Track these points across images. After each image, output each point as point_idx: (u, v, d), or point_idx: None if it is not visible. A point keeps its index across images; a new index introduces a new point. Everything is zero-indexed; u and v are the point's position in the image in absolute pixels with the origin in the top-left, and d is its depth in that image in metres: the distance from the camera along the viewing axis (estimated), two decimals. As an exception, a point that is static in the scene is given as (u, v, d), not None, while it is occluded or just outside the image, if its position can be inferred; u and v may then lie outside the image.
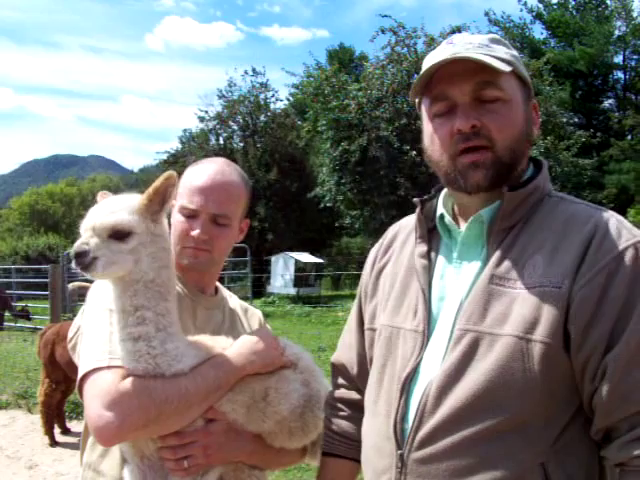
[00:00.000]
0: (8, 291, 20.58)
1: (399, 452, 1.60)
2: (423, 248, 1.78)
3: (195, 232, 2.06)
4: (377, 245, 2.03)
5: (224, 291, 2.40)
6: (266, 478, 2.12)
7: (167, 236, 1.90)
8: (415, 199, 1.84)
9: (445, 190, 1.82)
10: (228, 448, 1.91)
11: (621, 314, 1.44)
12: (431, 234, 1.80)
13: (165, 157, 38.78)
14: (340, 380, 2.05)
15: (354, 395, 1.98)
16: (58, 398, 7.76)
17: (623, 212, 24.31)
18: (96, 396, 1.72)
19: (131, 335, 1.76)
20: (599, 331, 1.45)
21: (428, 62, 1.69)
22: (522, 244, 1.59)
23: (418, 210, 1.82)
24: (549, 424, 1.49)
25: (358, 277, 2.17)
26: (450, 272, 1.71)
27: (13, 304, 19.37)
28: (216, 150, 35.45)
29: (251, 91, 37.14)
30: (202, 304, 2.20)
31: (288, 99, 43.53)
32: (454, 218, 1.77)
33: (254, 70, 37.01)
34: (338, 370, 2.05)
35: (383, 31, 23.58)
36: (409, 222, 1.94)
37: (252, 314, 2.44)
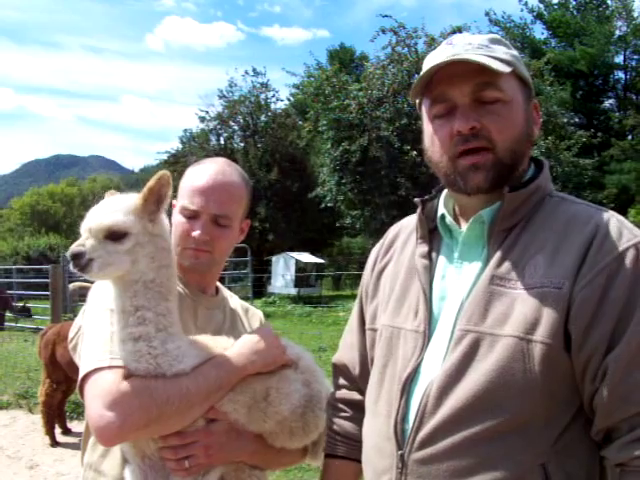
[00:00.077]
0: (9, 291, 20.59)
1: (399, 452, 1.60)
2: (424, 248, 1.78)
3: (196, 233, 2.06)
4: (378, 245, 2.03)
5: (225, 291, 2.40)
6: (267, 478, 2.12)
7: (167, 236, 1.90)
8: (416, 199, 1.84)
9: (446, 190, 1.82)
10: (229, 448, 1.91)
11: (622, 315, 1.44)
12: (432, 234, 1.80)
13: (166, 157, 38.75)
14: (341, 381, 2.05)
15: (356, 396, 1.98)
16: (59, 398, 7.77)
17: (624, 212, 24.32)
18: (97, 396, 1.72)
19: (132, 335, 1.76)
20: (600, 332, 1.45)
21: (428, 63, 1.68)
22: (523, 244, 1.59)
23: (419, 210, 1.81)
24: (549, 424, 1.49)
25: (359, 277, 2.17)
26: (451, 272, 1.71)
27: (14, 304, 19.38)
28: (217, 150, 35.47)
29: (252, 91, 37.20)
30: (203, 304, 2.20)
31: (289, 99, 43.58)
32: (455, 218, 1.77)
33: (255, 70, 37.10)
34: (340, 370, 2.05)
35: (384, 31, 23.59)
36: (410, 222, 1.94)
37: (253, 314, 2.44)
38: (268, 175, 35.21)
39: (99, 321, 1.88)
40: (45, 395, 7.61)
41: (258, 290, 28.18)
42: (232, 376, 1.88)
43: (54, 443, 7.61)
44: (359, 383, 1.96)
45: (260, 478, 2.05)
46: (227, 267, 21.70)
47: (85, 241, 1.71)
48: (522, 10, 38.59)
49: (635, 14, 36.29)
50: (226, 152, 34.19)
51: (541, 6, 39.05)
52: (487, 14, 38.13)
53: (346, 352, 2.03)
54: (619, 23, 36.92)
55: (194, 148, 37.17)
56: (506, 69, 1.60)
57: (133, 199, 1.81)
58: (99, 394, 1.71)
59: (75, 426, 8.15)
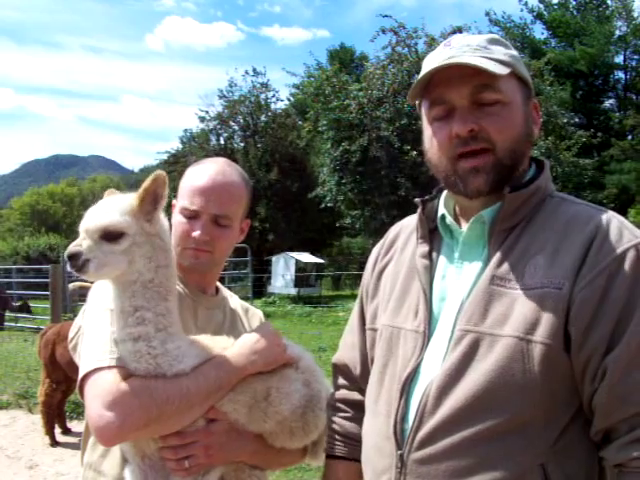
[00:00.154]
0: (9, 291, 20.60)
1: (399, 452, 1.60)
2: (424, 248, 1.78)
3: (196, 233, 2.06)
4: (379, 245, 2.03)
5: (225, 291, 2.40)
6: (267, 478, 2.12)
7: (165, 235, 1.89)
8: (416, 199, 1.84)
9: (446, 191, 1.81)
10: (229, 448, 1.91)
11: (622, 315, 1.44)
12: (433, 234, 1.80)
13: (166, 157, 38.78)
14: (342, 381, 2.04)
15: (356, 396, 1.98)
16: (59, 398, 7.77)
17: (624, 212, 24.34)
18: (97, 396, 1.72)
19: (131, 335, 1.76)
20: (599, 332, 1.45)
21: (426, 65, 1.68)
22: (523, 245, 1.59)
23: (419, 210, 1.81)
24: (549, 425, 1.49)
25: (359, 277, 2.17)
26: (451, 272, 1.71)
27: (14, 304, 19.38)
28: (217, 150, 35.47)
29: (252, 91, 37.20)
30: (203, 304, 2.20)
31: (289, 99, 43.61)
32: (455, 218, 1.77)
33: (255, 70, 37.10)
34: (340, 370, 2.05)
35: (384, 31, 23.60)
36: (411, 222, 1.94)
37: (253, 314, 2.44)
38: (268, 175, 35.22)
39: (99, 321, 1.88)
40: (45, 395, 7.62)
41: (258, 290, 28.19)
42: (232, 376, 1.88)
43: (54, 443, 7.61)
44: (360, 383, 1.96)
45: (260, 478, 2.05)
46: (227, 267, 21.70)
47: (82, 241, 1.72)
48: (522, 10, 38.69)
49: (635, 14, 36.33)
50: (226, 152, 34.19)
51: (541, 6, 39.08)
52: (487, 14, 38.18)
53: (347, 352, 2.03)
54: (619, 23, 36.96)
55: (194, 148, 37.17)
56: (504, 71, 1.59)
57: (129, 199, 1.81)
58: (99, 394, 1.71)
59: (75, 426, 8.15)
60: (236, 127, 38.26)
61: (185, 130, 40.23)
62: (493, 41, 1.70)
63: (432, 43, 22.18)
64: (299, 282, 29.55)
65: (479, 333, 1.54)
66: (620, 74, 38.55)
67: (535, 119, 1.74)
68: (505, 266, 1.57)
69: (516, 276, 1.55)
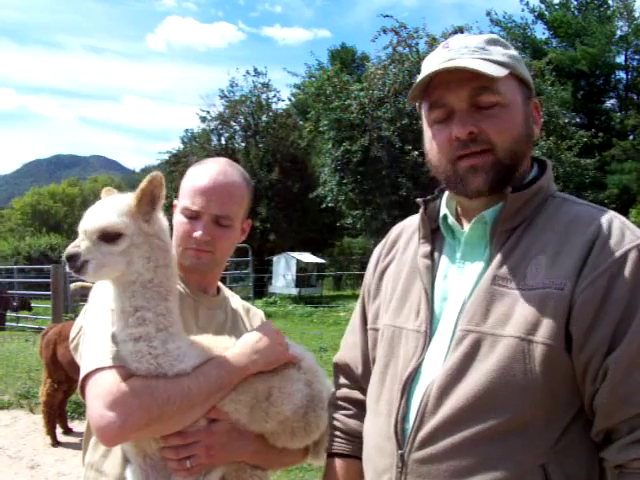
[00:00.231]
0: (10, 291, 20.60)
1: (400, 452, 1.60)
2: (426, 248, 1.78)
3: (197, 233, 2.06)
4: (380, 245, 2.03)
5: (226, 291, 2.40)
6: (268, 478, 2.12)
7: (164, 235, 1.89)
8: (418, 199, 1.84)
9: (448, 191, 1.81)
10: (231, 448, 1.91)
11: (623, 316, 1.44)
12: (434, 234, 1.80)
13: (167, 157, 38.74)
14: (343, 380, 2.04)
15: (358, 395, 1.98)
16: (60, 398, 7.78)
17: (625, 212, 24.33)
18: (98, 396, 1.72)
19: (132, 336, 1.77)
20: (601, 333, 1.44)
21: (425, 68, 1.68)
22: (525, 245, 1.59)
23: (421, 210, 1.82)
24: (550, 425, 1.49)
25: (360, 277, 2.18)
26: (453, 272, 1.71)
27: (15, 304, 19.40)
28: (218, 150, 35.45)
29: (253, 91, 37.17)
30: (204, 304, 2.20)
31: (290, 99, 43.70)
32: (457, 218, 1.77)
33: (256, 70, 37.07)
34: (341, 370, 2.05)
35: (385, 31, 23.60)
36: (412, 222, 1.94)
37: (254, 314, 2.44)
38: (269, 175, 35.21)
39: (100, 321, 1.88)
40: (46, 395, 7.62)
41: (259, 290, 28.19)
42: (233, 376, 1.88)
43: (55, 443, 7.62)
44: (361, 382, 1.96)
45: (262, 478, 2.05)
46: (228, 267, 21.71)
47: (80, 242, 1.73)
48: (523, 10, 38.86)
49: (636, 14, 36.37)
50: (227, 152, 34.18)
51: (542, 6, 39.09)
52: (488, 14, 38.23)
53: (348, 351, 2.03)
54: (620, 23, 36.97)
55: (195, 148, 37.15)
56: (502, 73, 1.59)
57: (127, 200, 1.81)
58: (100, 394, 1.72)
59: (76, 426, 8.16)
60: (237, 127, 38.25)
61: (186, 130, 40.25)
62: (492, 42, 1.69)
63: (433, 43, 22.15)
64: (300, 282, 29.55)
65: (480, 333, 1.53)
66: (621, 74, 38.60)
67: (536, 118, 1.73)
68: (507, 266, 1.57)
69: (518, 276, 1.55)
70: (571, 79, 35.08)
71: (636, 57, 37.39)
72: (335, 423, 2.00)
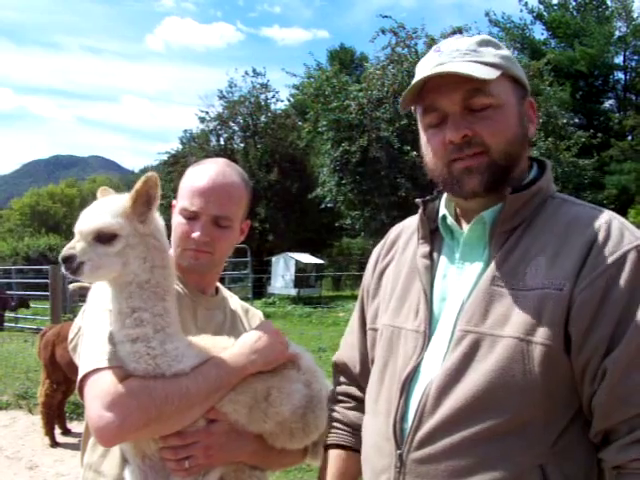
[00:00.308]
0: (9, 292, 20.59)
1: (398, 452, 1.60)
2: (426, 249, 1.78)
3: (196, 234, 2.06)
4: (380, 245, 2.03)
5: (225, 292, 2.40)
6: (267, 478, 2.12)
7: (160, 235, 1.89)
8: (417, 200, 1.84)
9: None
10: (229, 448, 1.91)
11: (622, 317, 1.44)
12: (434, 235, 1.80)
13: (165, 158, 38.71)
14: (342, 378, 2.05)
15: (356, 391, 1.99)
16: (59, 399, 7.77)
17: (624, 213, 24.32)
18: (96, 397, 1.72)
19: (129, 337, 1.76)
20: (599, 334, 1.45)
21: (417, 72, 1.69)
22: (524, 246, 1.59)
23: (420, 211, 1.82)
24: (548, 426, 1.49)
25: (359, 278, 2.17)
26: (452, 273, 1.71)
27: (13, 304, 19.39)
28: (217, 151, 35.43)
29: (252, 92, 37.15)
30: (203, 304, 2.20)
31: (289, 100, 43.57)
32: (456, 219, 1.77)
33: (254, 71, 37.03)
34: (340, 369, 2.06)
35: (383, 32, 23.58)
36: (412, 223, 1.94)
37: (253, 315, 2.44)
38: (268, 176, 35.20)
39: (99, 322, 1.88)
40: (45, 396, 7.61)
41: (258, 291, 28.19)
42: (232, 376, 1.87)
43: (54, 444, 7.61)
44: (359, 381, 1.97)
45: (260, 478, 2.05)
46: (227, 268, 21.70)
47: (76, 244, 1.72)
48: (522, 11, 38.88)
49: (635, 15, 36.37)
50: (226, 153, 34.16)
51: (541, 7, 39.11)
52: (487, 14, 38.20)
53: (346, 351, 2.04)
54: (619, 24, 36.99)
55: (194, 149, 37.13)
56: (493, 74, 1.58)
57: (122, 201, 1.81)
58: (98, 395, 1.71)
59: (75, 426, 8.15)
60: (236, 128, 38.24)
61: (185, 131, 40.21)
62: (483, 43, 1.69)
63: (432, 43, 22.06)
64: (299, 283, 29.54)
65: (479, 334, 1.54)
66: (620, 75, 38.60)
67: (531, 117, 1.73)
68: (506, 267, 1.58)
69: (517, 277, 1.55)
70: (570, 79, 35.08)
71: (635, 58, 37.41)
72: (335, 415, 2.00)
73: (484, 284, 1.58)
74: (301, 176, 35.99)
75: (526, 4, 38.15)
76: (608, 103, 40.00)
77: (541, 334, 1.47)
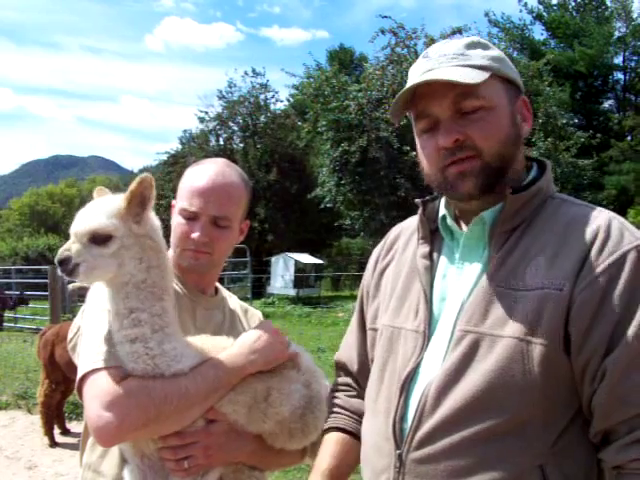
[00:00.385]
0: (8, 292, 20.57)
1: (398, 452, 1.60)
2: (425, 249, 1.78)
3: (195, 235, 2.06)
4: (379, 245, 2.03)
5: (224, 291, 2.40)
6: (266, 479, 2.12)
7: (156, 235, 1.88)
8: (417, 200, 1.85)
9: None
10: (229, 449, 1.91)
11: (622, 317, 1.44)
12: (433, 235, 1.81)
13: (165, 158, 38.73)
14: (342, 373, 2.05)
15: (357, 385, 1.99)
16: (58, 399, 7.77)
17: (623, 213, 24.32)
18: (95, 397, 1.72)
19: (127, 337, 1.76)
20: (599, 333, 1.44)
21: (409, 79, 1.69)
22: (524, 246, 1.59)
23: (420, 211, 1.82)
24: (548, 426, 1.49)
25: (358, 278, 2.18)
26: (452, 273, 1.71)
27: (12, 303, 19.37)
28: (216, 151, 35.43)
29: (251, 92, 37.14)
30: (202, 304, 2.20)
31: (288, 100, 43.57)
32: (456, 219, 1.77)
33: (254, 71, 37.02)
34: (340, 367, 2.07)
35: (383, 32, 23.57)
36: (411, 223, 1.95)
37: (252, 315, 2.44)
38: (267, 176, 35.20)
39: (98, 321, 1.88)
40: (44, 396, 7.62)
41: (257, 291, 28.20)
42: (231, 376, 1.87)
43: (53, 443, 7.61)
44: (358, 380, 1.97)
45: (259, 479, 2.05)
46: (226, 268, 21.70)
47: (71, 245, 1.73)
48: (521, 11, 38.92)
49: (634, 15, 36.41)
50: (225, 153, 34.17)
51: (540, 7, 39.16)
52: (487, 15, 38.22)
53: (345, 351, 2.05)
54: (618, 24, 37.02)
55: (193, 149, 37.13)
56: (480, 78, 1.58)
57: (117, 201, 1.81)
58: (97, 394, 1.71)
59: (74, 426, 8.15)
60: (235, 128, 38.24)
61: (184, 131, 40.22)
62: (472, 45, 1.68)
63: (431, 44, 21.80)
64: (298, 283, 29.55)
65: (479, 334, 1.54)
66: (619, 75, 38.64)
67: (525, 116, 1.73)
68: (506, 267, 1.58)
69: (516, 277, 1.55)
70: (569, 80, 35.11)
71: (634, 58, 37.43)
72: (336, 401, 2.00)
73: (484, 284, 1.58)
74: (300, 176, 35.99)
75: (525, 4, 38.24)
76: (607, 103, 40.06)
77: (541, 334, 1.46)
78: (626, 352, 1.42)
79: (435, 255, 1.77)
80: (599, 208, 1.64)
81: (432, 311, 1.69)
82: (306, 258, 31.25)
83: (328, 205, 26.07)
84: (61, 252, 1.71)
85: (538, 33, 40.23)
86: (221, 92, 37.22)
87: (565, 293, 1.47)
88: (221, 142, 38.38)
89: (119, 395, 1.69)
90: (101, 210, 1.78)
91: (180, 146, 39.69)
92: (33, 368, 11.04)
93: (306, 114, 27.25)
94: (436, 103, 1.63)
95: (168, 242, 2.18)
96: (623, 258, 1.47)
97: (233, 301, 2.41)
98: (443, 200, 1.82)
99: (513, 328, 1.49)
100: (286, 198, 35.21)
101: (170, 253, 2.17)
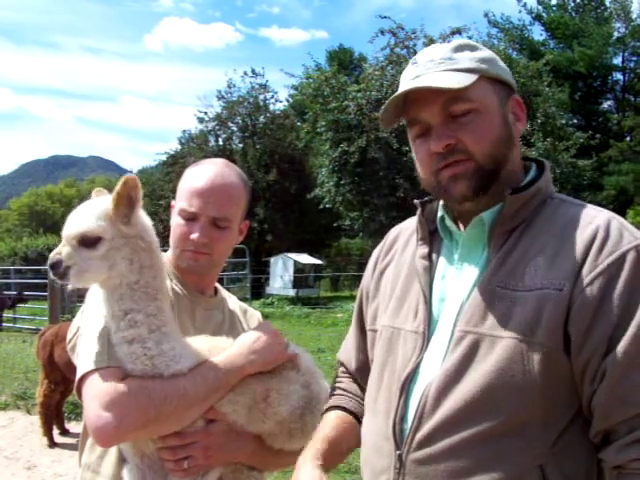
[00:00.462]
0: (7, 292, 20.57)
1: (397, 452, 1.60)
2: (424, 250, 1.78)
3: (195, 235, 2.05)
4: (379, 246, 2.03)
5: (223, 292, 2.40)
6: (265, 479, 2.12)
7: (147, 235, 1.88)
8: (416, 201, 1.85)
9: None
10: (228, 449, 1.91)
11: (621, 317, 1.44)
12: (432, 236, 1.80)
13: (164, 158, 38.74)
14: (344, 371, 2.06)
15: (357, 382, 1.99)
16: (57, 399, 7.76)
17: (622, 213, 24.33)
18: (94, 397, 1.72)
19: (125, 339, 1.77)
20: (599, 333, 1.44)
21: (400, 85, 1.70)
22: (523, 247, 1.59)
23: (419, 212, 1.82)
24: (548, 426, 1.49)
25: (357, 278, 2.18)
26: (451, 274, 1.71)
27: (10, 303, 19.36)
28: (215, 151, 35.43)
29: (250, 92, 37.14)
30: (201, 305, 2.20)
31: (287, 100, 43.60)
32: (455, 220, 1.77)
33: (253, 71, 37.02)
34: (341, 366, 2.07)
35: (382, 32, 23.64)
36: (410, 224, 1.95)
37: (251, 315, 2.44)
38: (267, 176, 35.19)
39: (97, 322, 1.88)
40: (43, 396, 7.61)
41: (256, 291, 28.20)
42: (231, 376, 1.87)
43: (52, 444, 7.60)
44: (358, 380, 1.97)
45: (258, 479, 2.05)
46: (225, 268, 21.66)
47: (62, 249, 1.73)
48: (521, 11, 38.81)
49: (633, 15, 36.40)
50: (225, 153, 34.15)
51: (540, 7, 39.15)
52: (486, 15, 38.26)
53: (344, 352, 2.05)
54: (617, 24, 37.03)
55: (193, 149, 37.12)
56: (467, 81, 1.57)
57: (106, 203, 1.81)
58: (96, 395, 1.71)
59: (73, 427, 8.15)
60: (235, 128, 38.23)
61: (184, 131, 40.19)
62: (459, 48, 1.68)
63: (431, 44, 22.13)
64: (297, 283, 29.55)
65: (479, 334, 1.53)
66: (618, 75, 38.65)
67: (518, 115, 1.72)
68: (505, 268, 1.57)
69: (516, 277, 1.55)
70: (568, 80, 35.11)
71: (633, 59, 37.44)
72: (337, 384, 2.01)
73: (483, 285, 1.58)
74: (300, 177, 35.98)
75: (525, 5, 38.25)
76: (607, 104, 40.07)
77: (540, 334, 1.46)
78: (626, 352, 1.41)
79: (434, 256, 1.77)
80: (598, 208, 1.64)
81: (431, 312, 1.69)
82: (305, 258, 31.24)
83: (327, 205, 26.09)
84: (52, 256, 1.72)
85: (537, 33, 40.10)
86: (220, 92, 37.27)
87: (565, 293, 1.47)
88: (220, 142, 38.37)
89: (118, 395, 1.69)
90: (89, 212, 1.78)
91: (179, 146, 39.70)
92: (32, 368, 11.03)
93: (305, 114, 27.30)
94: (426, 109, 1.64)
95: (168, 242, 2.18)
96: (623, 258, 1.47)
97: (232, 302, 2.41)
98: (442, 201, 1.82)
99: (513, 329, 1.49)
100: (285, 198, 35.20)
101: (169, 253, 2.18)
